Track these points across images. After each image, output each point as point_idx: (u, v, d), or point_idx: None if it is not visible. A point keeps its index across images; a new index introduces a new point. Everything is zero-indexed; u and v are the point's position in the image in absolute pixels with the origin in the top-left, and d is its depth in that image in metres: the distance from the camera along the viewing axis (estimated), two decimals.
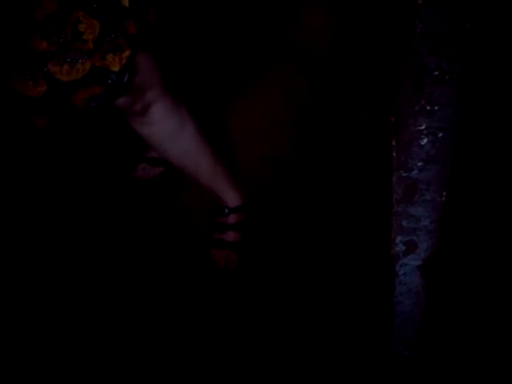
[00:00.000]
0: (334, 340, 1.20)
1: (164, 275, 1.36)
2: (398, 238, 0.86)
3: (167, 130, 1.19)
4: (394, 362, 1.01)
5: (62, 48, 0.97)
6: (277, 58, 1.60)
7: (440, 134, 0.73)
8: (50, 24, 0.96)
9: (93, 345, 1.24)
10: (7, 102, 1.04)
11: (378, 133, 1.32)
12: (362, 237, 1.30)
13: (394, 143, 0.76)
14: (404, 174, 0.78)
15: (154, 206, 1.47)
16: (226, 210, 1.38)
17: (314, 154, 1.48)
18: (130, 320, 1.28)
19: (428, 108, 0.70)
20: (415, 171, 0.78)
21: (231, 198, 1.37)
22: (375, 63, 1.50)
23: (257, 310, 1.29)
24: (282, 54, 1.61)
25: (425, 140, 0.74)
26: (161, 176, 1.52)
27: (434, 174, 0.78)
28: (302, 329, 1.24)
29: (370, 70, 1.51)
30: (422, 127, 0.73)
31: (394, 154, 0.77)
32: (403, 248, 0.87)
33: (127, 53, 1.01)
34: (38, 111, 1.03)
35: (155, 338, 1.24)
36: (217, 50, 1.59)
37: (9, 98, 1.03)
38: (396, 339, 0.99)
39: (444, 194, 0.79)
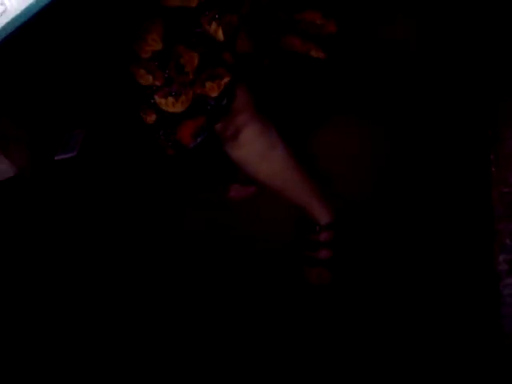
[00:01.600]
0: (436, 367, 1.15)
1: (256, 294, 1.38)
2: (501, 257, 0.82)
3: (257, 152, 1.21)
4: None
5: (167, 82, 1.03)
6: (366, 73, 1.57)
7: None
8: (155, 60, 1.02)
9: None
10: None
11: (476, 147, 1.26)
12: (464, 255, 1.24)
13: (492, 157, 0.73)
14: (505, 190, 0.75)
15: (244, 224, 1.50)
16: (318, 228, 1.38)
17: (408, 167, 1.44)
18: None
19: None
20: None
21: (322, 215, 1.36)
22: (470, 74, 1.43)
23: (353, 326, 1.27)
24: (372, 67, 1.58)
25: None
26: (253, 195, 1.55)
27: None
28: (399, 350, 1.21)
29: (465, 82, 1.45)
30: None
31: (494, 169, 0.74)
32: (506, 267, 0.82)
33: (226, 79, 1.05)
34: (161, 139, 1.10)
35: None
36: (307, 75, 1.60)
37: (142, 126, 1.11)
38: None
39: None
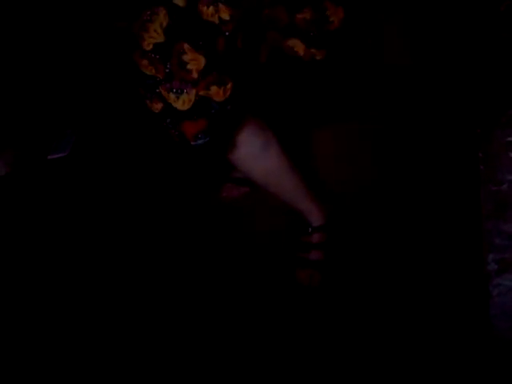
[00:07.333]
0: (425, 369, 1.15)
1: (247, 295, 1.37)
2: (490, 257, 0.81)
3: (252, 151, 1.21)
4: None
5: (167, 77, 1.02)
6: (365, 82, 1.57)
7: None
8: (156, 53, 1.01)
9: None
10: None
11: (464, 146, 1.26)
12: (453, 255, 1.24)
13: (481, 156, 0.73)
14: (493, 189, 0.74)
15: (236, 225, 1.50)
16: (310, 229, 1.37)
17: (398, 168, 1.44)
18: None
19: None
20: (505, 185, 0.73)
21: (315, 217, 1.36)
22: (458, 74, 1.44)
23: (341, 329, 1.27)
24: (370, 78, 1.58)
25: None
26: (246, 195, 1.54)
27: None
28: (388, 350, 1.20)
29: (454, 81, 1.45)
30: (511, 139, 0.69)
31: (482, 167, 0.73)
32: (496, 267, 0.82)
33: (230, 85, 1.05)
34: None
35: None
36: (305, 73, 1.60)
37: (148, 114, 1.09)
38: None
39: None
